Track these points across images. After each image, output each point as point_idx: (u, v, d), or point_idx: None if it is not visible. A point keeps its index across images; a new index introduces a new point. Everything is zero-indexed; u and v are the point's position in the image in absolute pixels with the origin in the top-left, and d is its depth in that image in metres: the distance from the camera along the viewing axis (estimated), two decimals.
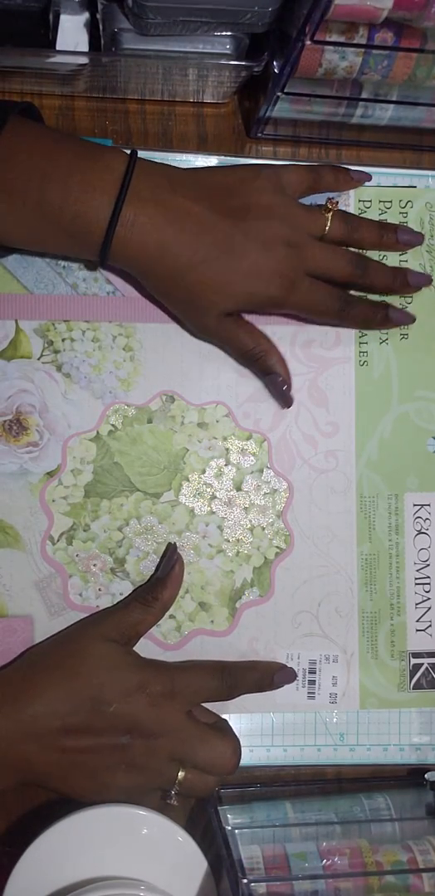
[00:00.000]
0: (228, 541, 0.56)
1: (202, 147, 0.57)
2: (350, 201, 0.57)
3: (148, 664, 0.50)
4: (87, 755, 0.48)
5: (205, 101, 0.56)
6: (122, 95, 0.56)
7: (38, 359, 0.55)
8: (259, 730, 0.55)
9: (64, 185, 0.47)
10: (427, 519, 0.57)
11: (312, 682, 0.56)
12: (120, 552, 0.55)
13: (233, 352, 0.54)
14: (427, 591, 0.57)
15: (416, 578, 0.57)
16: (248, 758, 0.55)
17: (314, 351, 0.56)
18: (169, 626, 0.55)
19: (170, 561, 0.54)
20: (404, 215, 0.57)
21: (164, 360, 0.56)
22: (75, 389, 0.55)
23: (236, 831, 0.50)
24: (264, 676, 0.53)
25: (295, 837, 0.51)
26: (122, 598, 0.54)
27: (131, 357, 0.55)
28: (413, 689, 0.56)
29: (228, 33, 0.50)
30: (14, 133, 0.47)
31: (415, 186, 0.58)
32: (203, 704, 0.52)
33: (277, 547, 0.56)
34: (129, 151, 0.49)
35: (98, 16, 0.49)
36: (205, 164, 0.56)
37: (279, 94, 0.51)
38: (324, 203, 0.52)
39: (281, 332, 0.56)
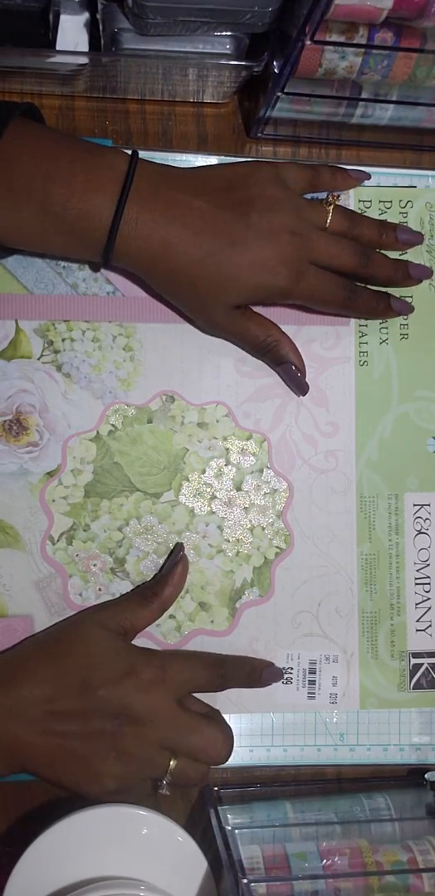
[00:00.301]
0: (228, 541, 0.56)
1: (202, 147, 0.57)
2: (350, 201, 0.57)
3: (139, 650, 0.51)
4: (76, 740, 0.47)
5: (205, 101, 0.56)
6: (122, 95, 0.56)
7: (38, 359, 0.55)
8: (259, 730, 0.55)
9: (67, 186, 0.47)
10: (427, 519, 0.57)
11: (312, 682, 0.56)
12: (120, 552, 0.55)
13: (244, 345, 0.54)
14: (427, 591, 0.57)
15: (416, 578, 0.57)
16: (248, 758, 0.55)
17: (314, 351, 0.56)
18: (169, 625, 0.55)
19: (174, 560, 0.54)
20: (404, 215, 0.57)
21: (164, 360, 0.56)
22: (75, 389, 0.55)
23: (236, 831, 0.50)
24: (253, 672, 0.53)
25: (295, 837, 0.51)
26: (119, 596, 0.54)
27: (131, 357, 0.55)
28: (413, 689, 0.56)
29: (228, 33, 0.50)
30: (16, 134, 0.47)
31: (415, 186, 0.58)
32: (194, 695, 0.52)
33: (277, 547, 0.56)
34: (129, 152, 0.49)
35: (98, 16, 0.49)
36: (205, 164, 0.56)
37: (279, 94, 0.51)
38: (325, 197, 0.52)
39: None
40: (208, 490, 0.56)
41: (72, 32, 0.51)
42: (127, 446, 0.55)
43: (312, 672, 0.56)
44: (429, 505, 0.57)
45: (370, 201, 0.57)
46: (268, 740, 0.55)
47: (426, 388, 0.57)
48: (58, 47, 0.50)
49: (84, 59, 0.51)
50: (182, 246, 0.49)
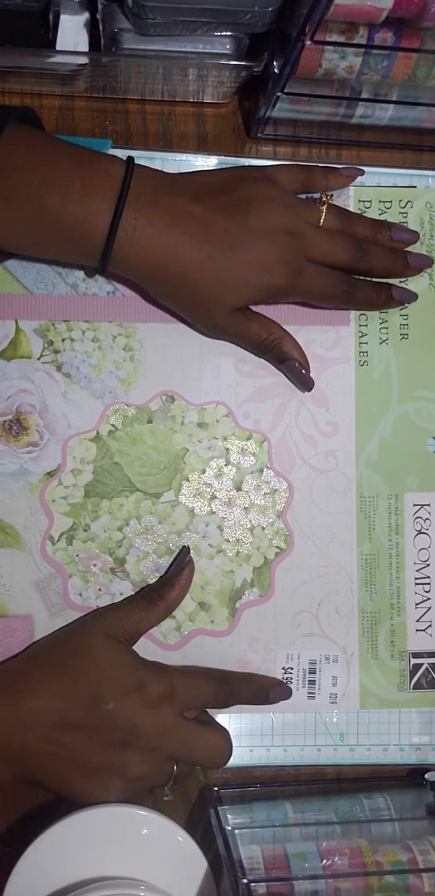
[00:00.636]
0: (228, 541, 0.56)
1: (202, 147, 0.57)
2: (350, 201, 0.57)
3: (147, 665, 0.51)
4: (84, 754, 0.48)
5: (205, 101, 0.56)
6: (123, 95, 0.56)
7: (38, 359, 0.55)
8: (259, 730, 0.55)
9: (63, 191, 0.47)
10: (427, 519, 0.57)
11: (312, 682, 0.56)
12: (120, 552, 0.55)
13: (246, 345, 0.54)
14: (427, 591, 0.57)
15: (416, 578, 0.57)
16: (248, 758, 0.55)
17: (314, 351, 0.56)
18: (169, 626, 0.55)
19: (181, 563, 0.54)
20: (404, 215, 0.57)
21: (164, 360, 0.56)
22: (75, 389, 0.55)
23: (236, 831, 0.50)
24: (260, 689, 0.53)
25: (295, 837, 0.51)
26: (122, 598, 0.54)
27: (131, 357, 0.55)
28: (413, 689, 0.56)
29: (228, 33, 0.50)
30: (12, 139, 0.47)
31: (415, 186, 0.58)
32: None
33: (277, 547, 0.56)
34: (126, 157, 0.49)
35: (98, 16, 0.49)
36: (205, 165, 0.56)
37: (279, 94, 0.51)
38: (319, 196, 0.53)
39: None
40: (208, 490, 0.56)
41: (72, 32, 0.51)
42: (127, 446, 0.55)
43: (312, 672, 0.56)
44: (429, 505, 0.57)
45: (370, 201, 0.57)
46: (268, 740, 0.55)
47: (426, 388, 0.57)
48: (58, 47, 0.50)
49: (84, 59, 0.51)
50: (182, 251, 0.49)
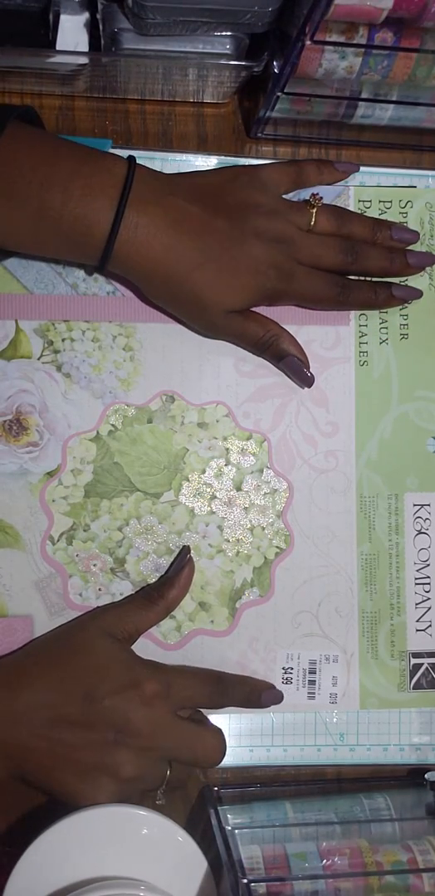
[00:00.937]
0: (228, 541, 0.56)
1: (202, 147, 0.57)
2: (350, 201, 0.57)
3: (143, 663, 0.51)
4: (77, 750, 0.47)
5: (205, 101, 0.56)
6: (123, 95, 0.56)
7: (38, 359, 0.55)
8: (259, 730, 0.55)
9: (64, 190, 0.47)
10: (427, 519, 0.57)
11: (312, 682, 0.56)
12: (120, 552, 0.55)
13: (244, 344, 0.54)
14: (427, 591, 0.57)
15: (416, 578, 0.57)
16: (248, 758, 0.55)
17: (314, 351, 0.56)
18: (169, 626, 0.55)
19: (181, 562, 0.54)
20: (404, 215, 0.57)
21: (164, 360, 0.56)
22: (75, 389, 0.55)
23: (236, 831, 0.50)
24: (253, 692, 0.53)
25: (295, 837, 0.51)
26: (121, 598, 0.54)
27: (131, 357, 0.55)
28: (413, 689, 0.56)
29: (228, 33, 0.50)
30: (12, 138, 0.47)
31: (415, 186, 0.58)
32: None
33: (277, 547, 0.56)
34: (127, 157, 0.49)
35: (98, 16, 0.49)
36: (205, 164, 0.56)
37: (279, 94, 0.51)
38: (308, 199, 0.53)
39: None
40: (208, 490, 0.56)
41: (72, 32, 0.51)
42: (127, 446, 0.55)
43: (312, 672, 0.56)
44: (429, 505, 0.57)
45: (370, 201, 0.57)
46: (268, 740, 0.55)
47: (426, 388, 0.57)
48: (58, 47, 0.50)
49: (84, 59, 0.51)
50: (183, 251, 0.49)
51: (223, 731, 0.51)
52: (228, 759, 0.52)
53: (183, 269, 0.49)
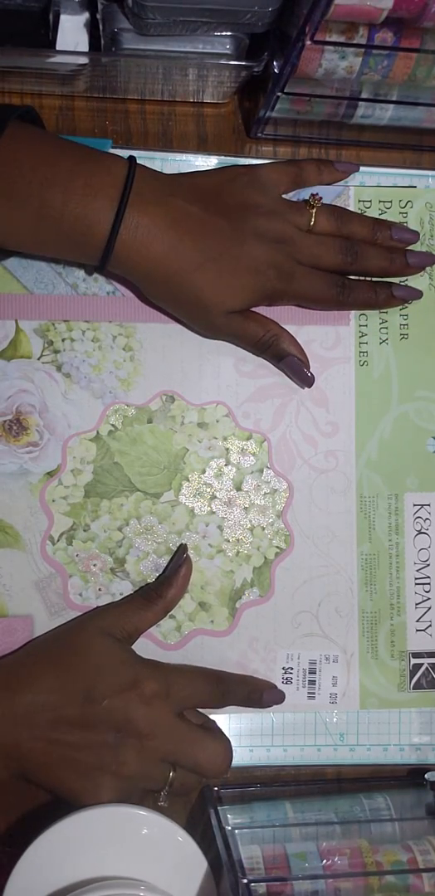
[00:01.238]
0: (228, 541, 0.56)
1: (202, 147, 0.57)
2: (350, 201, 0.57)
3: (143, 662, 0.51)
4: (78, 750, 0.47)
5: (205, 101, 0.56)
6: (123, 95, 0.56)
7: (38, 359, 0.55)
8: (259, 730, 0.55)
9: (65, 190, 0.47)
10: (427, 519, 0.57)
11: (312, 682, 0.56)
12: (120, 552, 0.55)
13: (244, 344, 0.54)
14: (427, 591, 0.57)
15: (416, 578, 0.57)
16: (248, 758, 0.55)
17: (314, 351, 0.56)
18: (169, 625, 0.55)
19: (178, 561, 0.54)
20: (404, 215, 0.57)
21: (164, 360, 0.56)
22: (75, 389, 0.55)
23: (236, 831, 0.50)
24: (254, 692, 0.53)
25: (295, 837, 0.51)
26: (122, 598, 0.54)
27: (131, 357, 0.55)
28: (413, 689, 0.56)
29: (228, 33, 0.50)
30: (13, 138, 0.47)
31: (415, 186, 0.58)
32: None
33: (277, 547, 0.56)
34: (127, 157, 0.49)
35: (98, 16, 0.49)
36: (205, 164, 0.56)
37: (279, 94, 0.51)
38: (308, 199, 0.53)
39: None
40: (208, 490, 0.56)
41: (72, 32, 0.51)
42: (127, 446, 0.55)
43: (312, 672, 0.56)
44: (429, 505, 0.57)
45: (370, 201, 0.57)
46: (268, 740, 0.55)
47: (426, 388, 0.57)
48: (58, 47, 0.50)
49: (84, 59, 0.51)
50: (184, 251, 0.49)
51: (227, 735, 0.51)
52: (228, 772, 0.52)
53: (183, 269, 0.49)
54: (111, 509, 0.55)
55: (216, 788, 0.54)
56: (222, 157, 0.56)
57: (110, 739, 0.48)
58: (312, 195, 0.53)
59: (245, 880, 0.45)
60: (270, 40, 0.50)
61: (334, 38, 0.46)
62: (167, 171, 0.54)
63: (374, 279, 0.55)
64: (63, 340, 0.55)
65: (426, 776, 0.54)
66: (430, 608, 0.57)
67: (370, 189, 0.57)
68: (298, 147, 0.58)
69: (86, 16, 0.51)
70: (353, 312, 0.57)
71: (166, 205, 0.49)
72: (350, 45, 0.47)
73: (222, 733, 0.52)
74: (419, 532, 0.57)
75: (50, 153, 0.48)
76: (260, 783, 0.56)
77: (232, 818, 0.51)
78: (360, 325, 0.57)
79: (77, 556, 0.54)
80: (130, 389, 0.55)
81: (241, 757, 0.55)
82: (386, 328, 0.57)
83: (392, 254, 0.54)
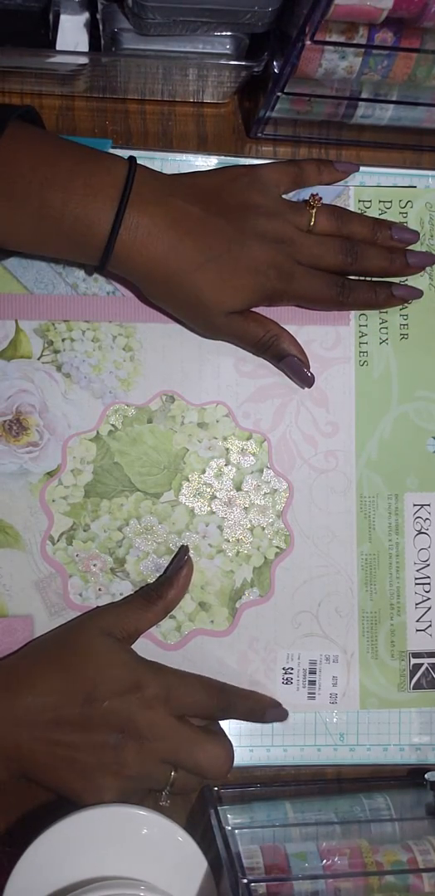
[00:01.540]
0: (228, 541, 0.56)
1: (202, 147, 0.57)
2: (350, 201, 0.57)
3: (144, 664, 0.51)
4: (78, 751, 0.47)
5: (205, 101, 0.56)
6: (123, 95, 0.56)
7: (38, 359, 0.55)
8: (259, 730, 0.55)
9: (65, 190, 0.47)
10: (427, 519, 0.57)
11: (312, 683, 0.56)
12: (120, 552, 0.55)
13: (244, 344, 0.54)
14: (427, 591, 0.57)
15: (416, 578, 0.57)
16: (248, 758, 0.55)
17: (314, 351, 0.56)
18: (169, 625, 0.55)
19: (179, 562, 0.54)
20: (404, 215, 0.57)
21: (164, 360, 0.56)
22: (75, 389, 0.55)
23: (236, 831, 0.50)
24: (257, 708, 0.53)
25: (295, 837, 0.51)
26: (122, 598, 0.54)
27: (131, 357, 0.55)
28: (413, 689, 0.56)
29: (228, 33, 0.50)
30: (13, 138, 0.47)
31: (415, 186, 0.58)
32: None
33: (277, 547, 0.56)
34: (127, 157, 0.49)
35: (98, 16, 0.49)
36: (205, 164, 0.56)
37: (279, 94, 0.51)
38: (308, 199, 0.53)
39: None
40: (208, 490, 0.56)
41: (72, 32, 0.51)
42: (127, 446, 0.55)
43: (312, 672, 0.56)
44: (429, 505, 0.57)
45: (370, 201, 0.57)
46: (268, 740, 0.55)
47: (426, 388, 0.57)
48: (58, 47, 0.50)
49: (84, 59, 0.51)
50: (184, 251, 0.49)
51: (228, 735, 0.51)
52: (229, 774, 0.52)
53: (183, 269, 0.49)
54: (111, 509, 0.55)
55: (216, 788, 0.54)
56: (222, 158, 0.56)
57: (111, 740, 0.48)
58: (312, 195, 0.53)
59: (245, 880, 0.45)
60: (270, 40, 0.50)
61: (334, 38, 0.46)
62: (167, 171, 0.54)
63: (374, 279, 0.55)
64: (63, 340, 0.55)
65: (426, 776, 0.54)
66: (430, 608, 0.57)
67: (370, 189, 0.57)
68: (298, 147, 0.58)
69: (86, 16, 0.51)
70: (353, 312, 0.57)
71: (166, 205, 0.49)
72: (350, 45, 0.47)
73: (224, 735, 0.52)
74: (419, 532, 0.57)
75: (50, 153, 0.48)
76: (260, 783, 0.56)
77: (232, 818, 0.51)
78: (360, 325, 0.57)
79: (77, 556, 0.54)
80: (130, 389, 0.55)
81: (241, 757, 0.55)
82: (386, 328, 0.57)
83: (392, 254, 0.54)
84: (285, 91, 0.50)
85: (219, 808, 0.52)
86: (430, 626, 0.57)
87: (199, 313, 0.52)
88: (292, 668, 0.55)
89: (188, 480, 0.55)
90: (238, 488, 0.56)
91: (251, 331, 0.53)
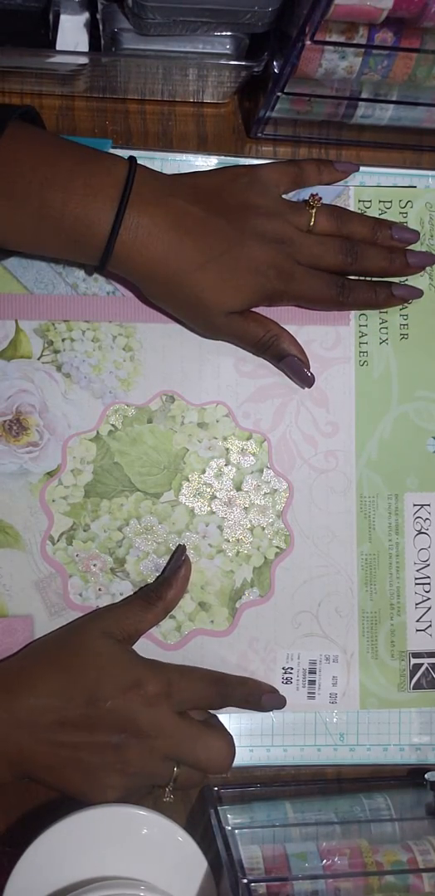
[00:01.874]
0: (228, 541, 0.56)
1: (202, 147, 0.57)
2: (350, 201, 0.57)
3: (144, 663, 0.51)
4: (81, 752, 0.48)
5: (205, 101, 0.56)
6: (122, 95, 0.56)
7: (38, 359, 0.55)
8: (259, 730, 0.55)
9: (65, 190, 0.47)
10: (427, 519, 0.57)
11: (312, 682, 0.56)
12: (120, 552, 0.55)
13: (244, 344, 0.55)
14: (427, 591, 0.57)
15: (416, 578, 0.57)
16: (248, 758, 0.55)
17: (314, 351, 0.56)
18: (169, 626, 0.55)
19: (177, 562, 0.54)
20: (404, 215, 0.57)
21: (164, 360, 0.56)
22: (75, 389, 0.55)
23: (236, 831, 0.50)
24: (253, 694, 0.53)
25: (295, 837, 0.51)
26: (122, 598, 0.54)
27: (131, 357, 0.55)
28: (413, 689, 0.56)
29: (228, 33, 0.50)
30: (13, 138, 0.47)
31: (415, 186, 0.58)
32: None
33: (277, 547, 0.56)
34: (127, 157, 0.49)
35: (98, 16, 0.49)
36: (205, 164, 0.56)
37: (279, 94, 0.51)
38: (307, 199, 0.53)
39: None
40: (208, 490, 0.56)
41: (72, 32, 0.51)
42: (127, 446, 0.55)
43: (312, 672, 0.56)
44: (429, 505, 0.57)
45: (370, 201, 0.57)
46: (268, 740, 0.55)
47: (426, 388, 0.57)
48: (58, 47, 0.50)
49: (84, 59, 0.51)
50: (184, 251, 0.49)
51: (231, 734, 0.51)
52: (231, 768, 0.52)
53: (183, 269, 0.49)
54: (111, 509, 0.55)
55: (216, 788, 0.54)
56: (222, 158, 0.56)
57: (115, 740, 0.48)
58: (312, 195, 0.53)
59: (245, 880, 0.45)
60: (270, 40, 0.50)
61: (334, 38, 0.46)
62: (167, 171, 0.54)
63: (374, 279, 0.55)
64: (63, 340, 0.55)
65: (426, 776, 0.54)
66: (430, 608, 0.57)
67: (370, 189, 0.57)
68: (298, 147, 0.58)
69: (86, 16, 0.51)
70: (353, 312, 0.57)
71: (166, 205, 0.49)
72: (350, 45, 0.47)
73: (225, 729, 0.52)
74: (419, 532, 0.57)
75: (50, 153, 0.48)
76: (260, 783, 0.56)
77: (232, 818, 0.51)
78: (360, 325, 0.57)
79: (77, 556, 0.54)
80: (130, 389, 0.55)
81: (241, 757, 0.55)
82: (386, 328, 0.57)
83: (392, 254, 0.54)
84: (285, 91, 0.50)
85: (219, 808, 0.52)
86: (430, 626, 0.57)
87: (199, 313, 0.52)
88: (292, 668, 0.55)
89: (188, 480, 0.55)
90: (238, 488, 0.56)
91: (251, 331, 0.53)
